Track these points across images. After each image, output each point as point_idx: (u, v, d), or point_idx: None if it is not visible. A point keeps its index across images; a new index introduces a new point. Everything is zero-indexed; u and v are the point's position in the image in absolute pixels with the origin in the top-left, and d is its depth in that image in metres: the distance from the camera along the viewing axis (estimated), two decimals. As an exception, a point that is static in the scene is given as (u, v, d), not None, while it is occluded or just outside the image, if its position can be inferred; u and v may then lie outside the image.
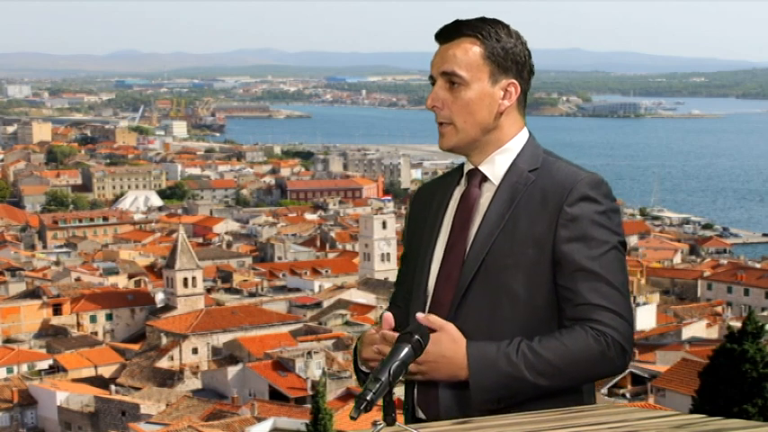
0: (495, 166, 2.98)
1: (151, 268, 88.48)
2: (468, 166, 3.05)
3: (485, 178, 3.00)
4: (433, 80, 2.99)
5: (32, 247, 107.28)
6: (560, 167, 2.94)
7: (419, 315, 2.79)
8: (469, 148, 2.99)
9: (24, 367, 63.37)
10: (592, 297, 2.83)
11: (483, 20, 2.97)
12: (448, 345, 2.80)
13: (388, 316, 2.88)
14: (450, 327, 2.81)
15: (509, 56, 2.94)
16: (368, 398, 2.49)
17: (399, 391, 2.99)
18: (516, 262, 2.87)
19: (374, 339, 2.89)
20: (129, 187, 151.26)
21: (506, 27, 2.97)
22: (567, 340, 2.80)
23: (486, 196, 2.98)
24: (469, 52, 2.93)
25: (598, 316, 2.82)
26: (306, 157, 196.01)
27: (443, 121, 2.97)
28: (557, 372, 2.78)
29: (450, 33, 2.96)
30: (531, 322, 2.87)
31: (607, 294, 2.83)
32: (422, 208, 3.16)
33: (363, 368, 2.97)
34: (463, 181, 3.06)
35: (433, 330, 2.79)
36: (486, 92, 2.93)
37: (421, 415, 2.96)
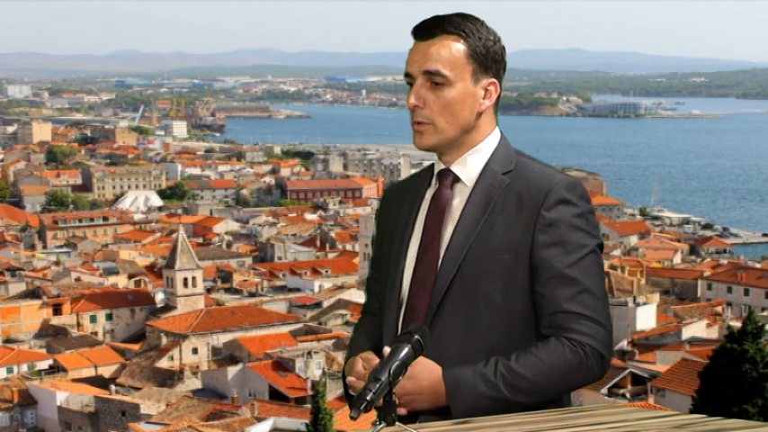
0: (468, 168, 2.92)
1: (151, 268, 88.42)
2: (438, 166, 2.98)
3: (456, 179, 2.93)
4: (409, 78, 2.91)
5: (32, 247, 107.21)
6: (535, 170, 2.88)
7: (386, 349, 2.67)
8: (446, 147, 2.92)
9: (24, 367, 63.33)
10: (569, 305, 2.78)
11: (463, 16, 2.89)
12: (424, 376, 2.76)
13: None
14: (422, 358, 2.73)
15: (490, 54, 2.88)
16: (368, 398, 2.48)
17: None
18: (493, 268, 2.82)
19: (359, 366, 2.86)
20: (129, 187, 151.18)
21: (484, 24, 2.90)
22: (544, 355, 2.76)
23: (458, 198, 2.91)
24: (453, 50, 2.85)
25: (575, 325, 2.78)
26: (306, 157, 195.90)
27: (422, 120, 2.89)
28: (535, 388, 2.75)
29: (431, 30, 2.87)
30: (509, 329, 2.83)
31: (584, 301, 2.79)
32: (392, 210, 3.08)
33: (351, 392, 2.90)
34: (434, 181, 2.98)
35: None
36: (468, 91, 2.87)
37: None
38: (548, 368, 2.75)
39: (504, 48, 2.93)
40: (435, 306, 2.86)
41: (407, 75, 2.92)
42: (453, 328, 2.85)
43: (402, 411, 2.78)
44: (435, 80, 2.86)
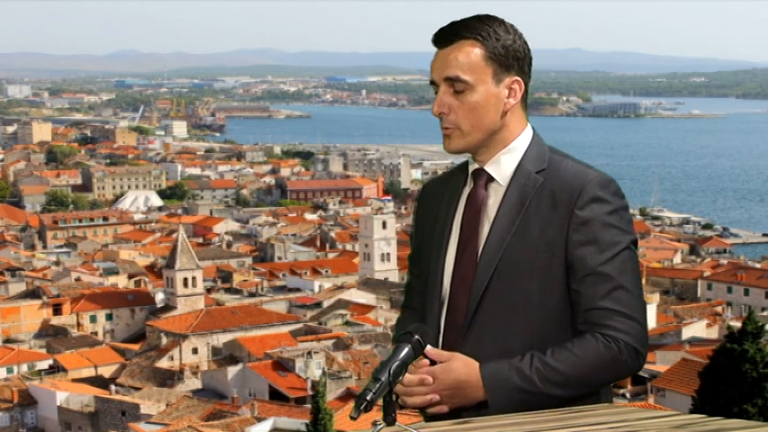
0: (502, 167, 2.97)
1: (151, 268, 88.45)
2: (473, 166, 3.03)
3: (491, 178, 2.98)
4: (434, 85, 2.96)
5: (32, 247, 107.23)
6: (568, 167, 2.93)
7: (428, 349, 2.80)
8: (475, 149, 2.98)
9: (24, 367, 63.35)
10: (604, 301, 2.84)
11: (479, 19, 2.93)
12: (461, 370, 2.83)
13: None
14: (459, 354, 2.85)
15: (510, 53, 2.92)
16: (368, 398, 2.50)
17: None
18: (529, 266, 2.88)
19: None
20: (129, 187, 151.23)
21: (503, 23, 2.94)
22: (579, 350, 2.83)
23: (493, 198, 2.97)
24: (471, 55, 2.89)
25: (610, 321, 2.83)
26: (306, 157, 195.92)
27: (450, 126, 2.94)
28: (570, 382, 2.82)
29: (448, 37, 2.93)
30: (545, 326, 2.89)
31: (619, 297, 2.84)
32: (430, 207, 3.14)
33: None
34: (469, 181, 3.04)
35: (434, 361, 2.85)
36: (491, 93, 2.91)
37: None
38: (582, 363, 2.81)
39: (526, 43, 2.97)
40: (475, 304, 2.92)
41: (432, 82, 2.97)
42: (493, 324, 2.91)
43: (444, 409, 2.85)
44: (457, 86, 2.91)
